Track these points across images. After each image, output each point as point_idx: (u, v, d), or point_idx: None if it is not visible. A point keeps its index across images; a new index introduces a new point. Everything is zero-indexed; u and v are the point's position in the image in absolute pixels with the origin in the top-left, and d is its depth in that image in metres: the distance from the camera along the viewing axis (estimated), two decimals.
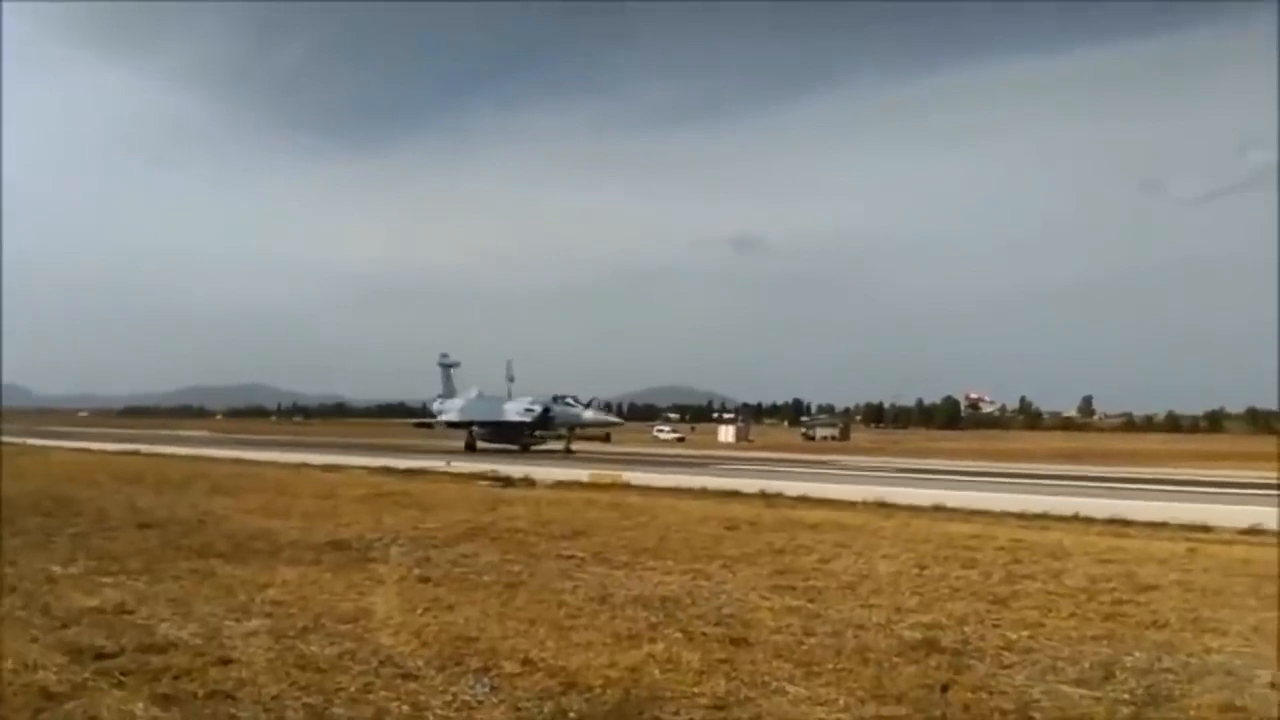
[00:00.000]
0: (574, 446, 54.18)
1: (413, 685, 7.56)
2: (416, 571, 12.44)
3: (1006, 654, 8.56)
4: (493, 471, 31.40)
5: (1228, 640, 9.11)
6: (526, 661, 8.16)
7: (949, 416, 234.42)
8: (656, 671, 7.88)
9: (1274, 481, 35.86)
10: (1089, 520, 19.08)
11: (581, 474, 30.13)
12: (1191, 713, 6.99)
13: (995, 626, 9.62)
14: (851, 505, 21.72)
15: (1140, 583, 12.03)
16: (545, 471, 31.45)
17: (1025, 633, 9.34)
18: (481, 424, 58.97)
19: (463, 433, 59.55)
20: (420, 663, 8.15)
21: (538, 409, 56.00)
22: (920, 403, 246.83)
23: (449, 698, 7.29)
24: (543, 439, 56.52)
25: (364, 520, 17.65)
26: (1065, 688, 7.55)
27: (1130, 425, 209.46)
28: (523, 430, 56.68)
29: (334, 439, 74.18)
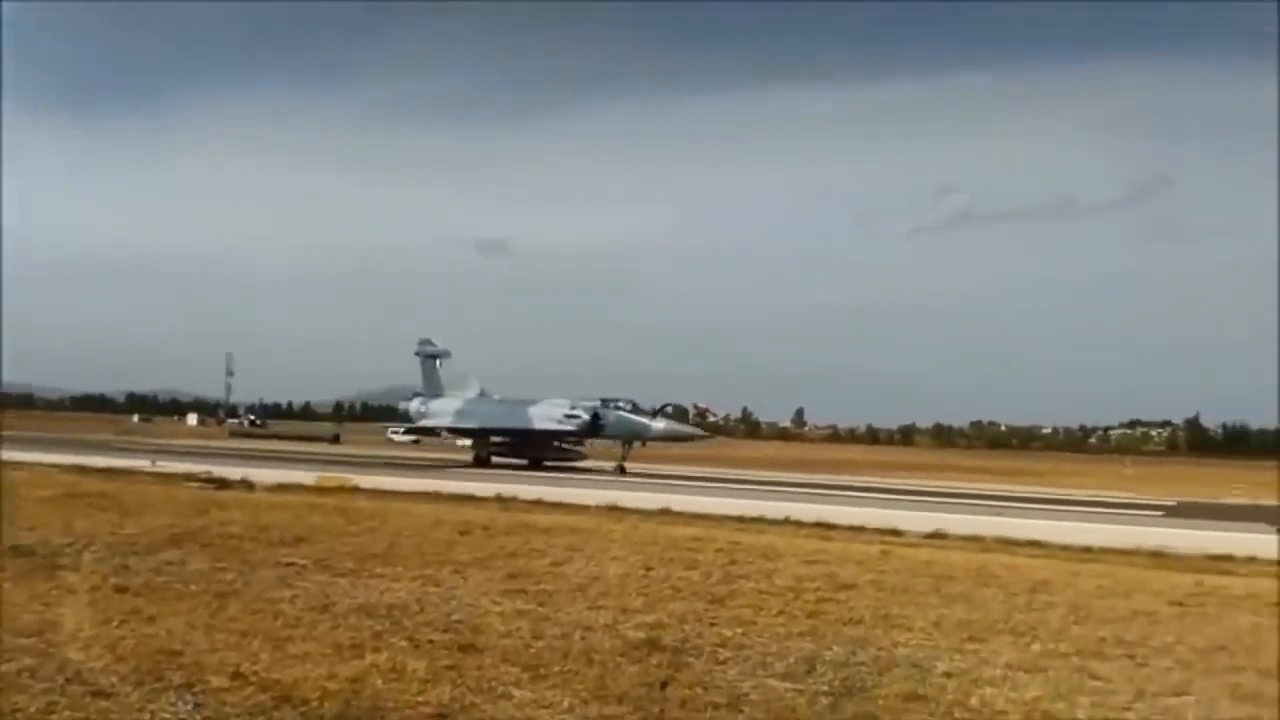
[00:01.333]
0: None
1: (105, 704, 6.89)
2: (113, 580, 11.36)
3: (722, 650, 9.02)
4: (206, 473, 29.26)
5: (913, 635, 10.06)
6: (237, 675, 7.65)
7: None
8: (379, 681, 7.63)
9: (955, 490, 40.23)
10: (799, 524, 20.52)
11: (306, 476, 28.74)
12: (880, 702, 7.65)
13: (713, 625, 10.12)
14: (585, 509, 22.13)
15: (840, 582, 13.07)
16: (266, 474, 29.72)
17: (739, 630, 9.88)
18: (495, 432, 48.33)
19: (428, 439, 53.60)
20: (114, 679, 7.44)
21: (583, 415, 45.20)
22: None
23: (146, 716, 6.70)
24: (581, 454, 47.79)
25: (52, 523, 15.89)
26: (773, 681, 8.05)
27: (835, 436, 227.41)
28: (550, 442, 47.37)
29: (27, 433, 65.19)
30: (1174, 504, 35.50)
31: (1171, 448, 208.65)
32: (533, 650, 8.76)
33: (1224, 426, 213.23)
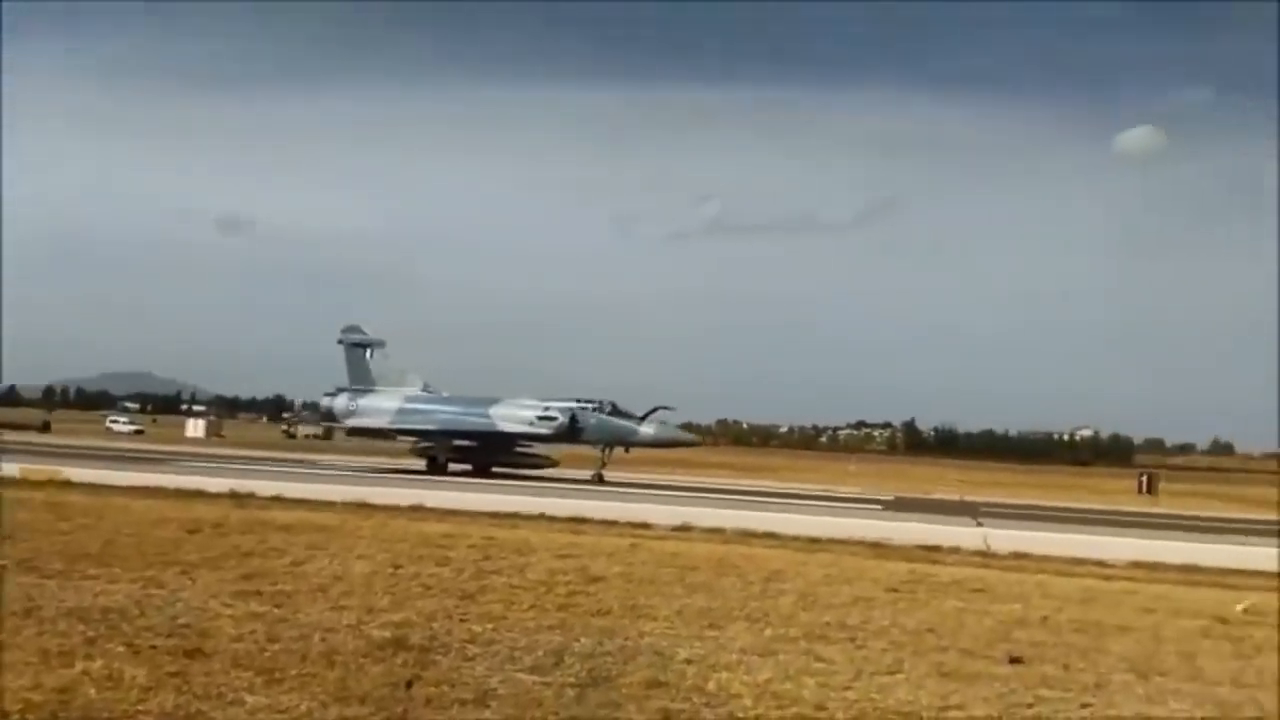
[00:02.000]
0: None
1: None
2: None
3: (471, 647, 8.94)
4: None
5: (658, 624, 10.41)
6: None
7: None
8: (93, 691, 6.98)
9: (701, 485, 41.91)
10: (553, 518, 20.71)
11: (8, 468, 25.80)
12: (624, 690, 7.86)
13: (463, 621, 10.01)
14: (330, 505, 21.25)
15: (591, 575, 13.31)
16: None
17: (489, 625, 9.84)
18: (452, 434, 42.13)
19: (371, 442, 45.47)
20: None
21: (559, 418, 40.56)
22: None
23: None
24: (545, 461, 43.16)
25: None
26: (521, 675, 8.07)
27: None
28: (513, 446, 42.67)
29: None
30: (891, 499, 38.73)
31: (891, 447, 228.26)
32: (268, 654, 8.31)
33: (935, 429, 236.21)
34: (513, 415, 41.93)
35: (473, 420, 42.45)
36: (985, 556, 18.48)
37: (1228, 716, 7.84)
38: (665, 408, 42.30)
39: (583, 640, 9.43)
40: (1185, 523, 32.78)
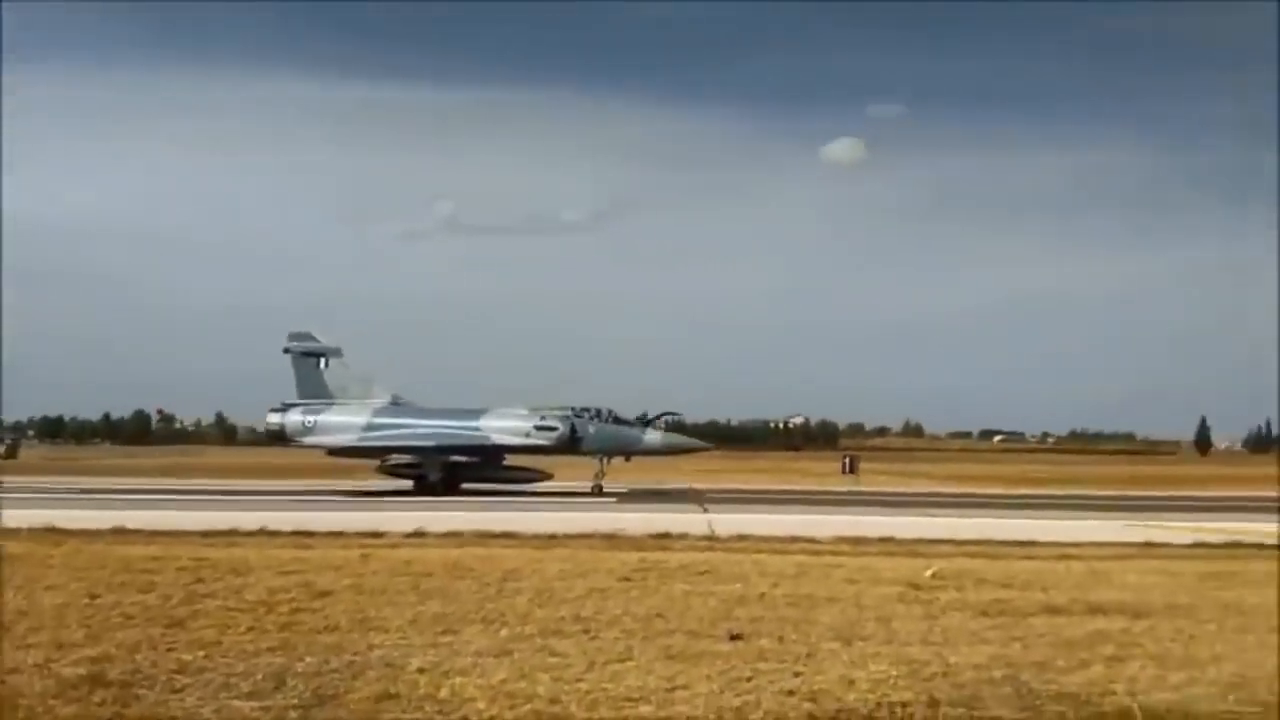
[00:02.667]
0: None
1: None
2: None
3: (180, 677, 8.28)
4: None
5: (389, 635, 10.10)
6: None
7: (138, 430, 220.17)
8: None
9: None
10: (274, 533, 19.57)
11: None
12: (352, 707, 7.57)
13: (170, 650, 9.25)
14: (15, 533, 18.97)
15: (317, 590, 12.71)
16: None
17: (201, 653, 9.15)
18: (440, 451, 38.31)
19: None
20: None
21: (559, 428, 37.80)
22: (108, 416, 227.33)
23: None
24: (539, 475, 39.38)
25: None
26: (237, 702, 7.57)
27: None
28: (501, 458, 39.26)
29: None
30: (626, 490, 39.86)
31: None
32: None
33: (665, 422, 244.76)
34: (507, 427, 39.24)
35: (462, 434, 39.30)
36: (711, 540, 19.45)
37: (916, 673, 8.69)
38: (671, 414, 41.33)
39: (307, 659, 8.99)
40: (882, 499, 36.14)
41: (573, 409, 38.98)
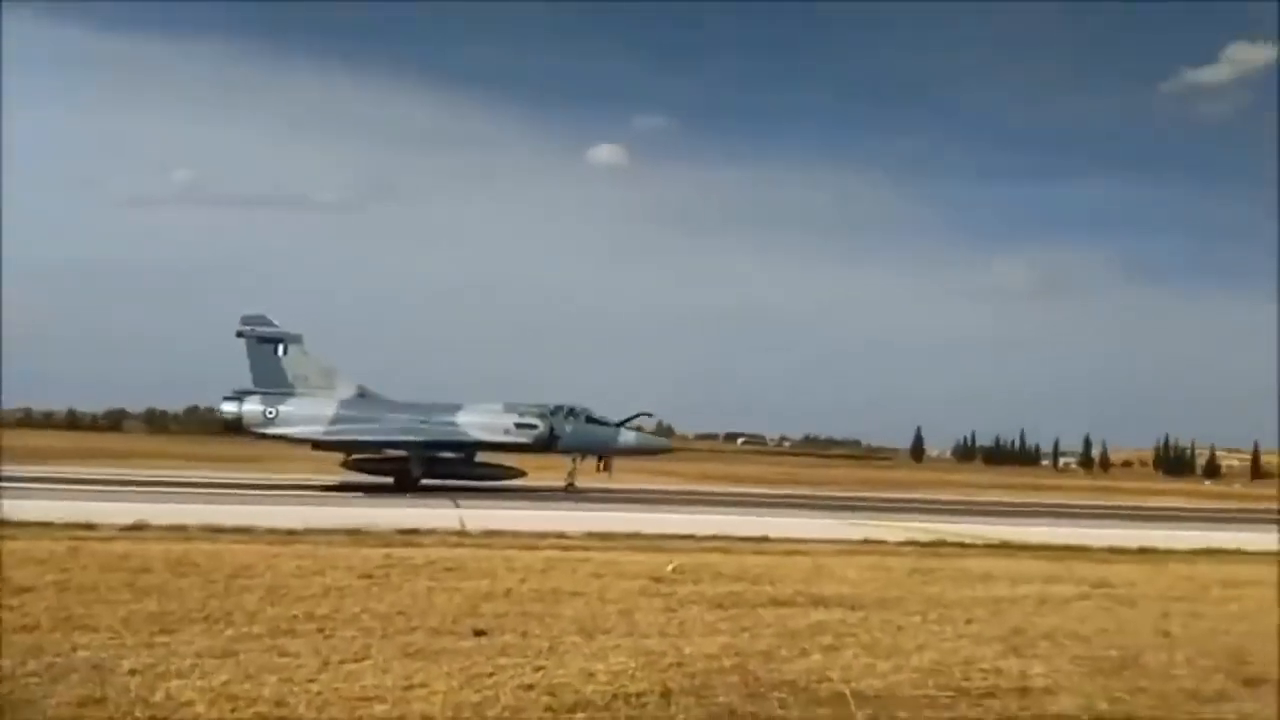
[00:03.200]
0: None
1: None
2: None
3: None
4: None
5: (98, 635, 9.26)
6: None
7: None
8: None
9: (160, 479, 38.20)
10: None
11: None
12: (52, 712, 6.90)
13: None
14: None
15: (16, 585, 11.46)
16: None
17: None
18: (416, 446, 37.03)
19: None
20: None
21: (539, 426, 37.26)
22: None
23: None
24: (514, 472, 38.00)
25: None
26: None
27: (28, 421, 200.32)
28: (471, 454, 38.41)
29: None
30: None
31: None
32: None
33: None
34: (486, 423, 37.94)
35: (441, 429, 37.71)
36: (461, 536, 19.22)
37: (653, 664, 8.99)
38: (646, 414, 41.51)
39: (3, 661, 8.09)
40: (634, 495, 37.10)
41: (549, 407, 38.45)
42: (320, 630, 9.89)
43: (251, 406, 38.15)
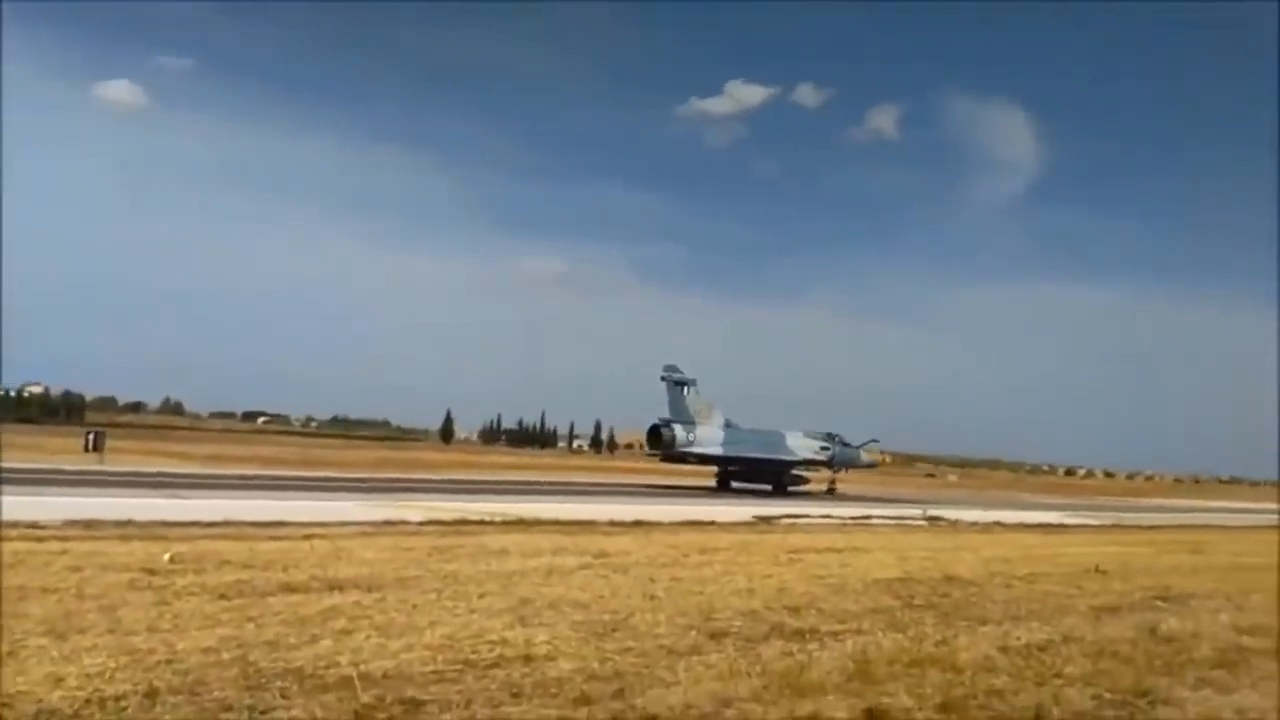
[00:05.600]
0: None
1: None
2: None
3: None
4: None
5: None
6: None
7: None
8: None
9: None
10: None
11: None
12: None
13: None
14: None
15: None
16: None
17: None
18: (752, 461, 55.19)
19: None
20: None
21: (832, 449, 57.46)
22: None
23: None
24: (803, 480, 56.32)
25: None
26: None
27: None
28: (789, 469, 55.96)
29: None
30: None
31: None
32: None
33: None
34: (805, 445, 57.11)
35: (772, 449, 55.82)
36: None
37: (138, 663, 8.10)
38: (874, 440, 62.75)
39: None
40: (129, 479, 33.34)
41: (829, 434, 58.08)
42: None
43: (679, 431, 53.35)
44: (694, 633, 10.79)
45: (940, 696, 8.61)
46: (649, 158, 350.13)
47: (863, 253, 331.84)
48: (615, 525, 23.56)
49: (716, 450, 53.97)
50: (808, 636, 10.94)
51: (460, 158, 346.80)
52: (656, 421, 53.70)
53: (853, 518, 31.87)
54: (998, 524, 34.16)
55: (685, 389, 54.38)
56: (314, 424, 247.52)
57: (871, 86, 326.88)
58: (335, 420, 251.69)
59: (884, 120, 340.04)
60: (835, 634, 11.20)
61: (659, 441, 53.55)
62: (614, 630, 10.64)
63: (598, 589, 13.39)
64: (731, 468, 55.23)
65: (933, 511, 36.83)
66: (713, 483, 55.54)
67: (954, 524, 32.80)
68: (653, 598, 12.92)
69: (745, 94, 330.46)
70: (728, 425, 55.31)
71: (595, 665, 8.99)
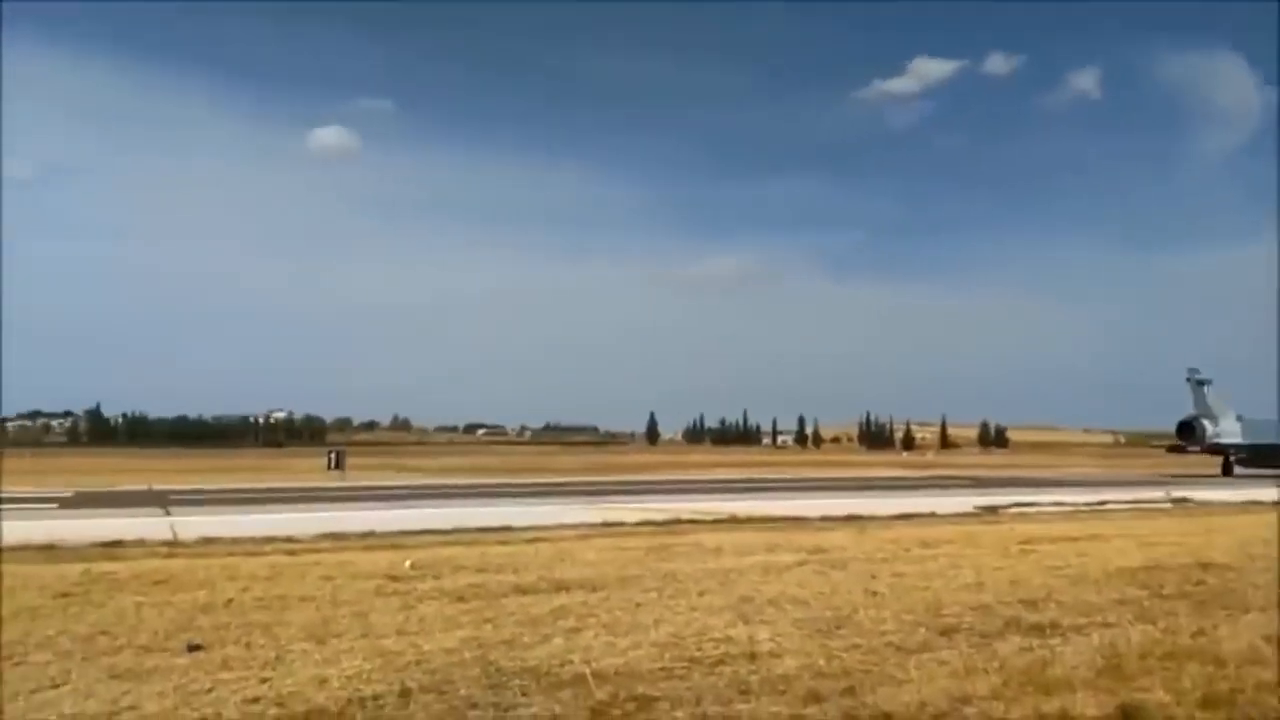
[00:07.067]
0: None
1: None
2: None
3: None
4: None
5: None
6: None
7: None
8: None
9: None
10: None
11: None
12: None
13: None
14: None
15: None
16: None
17: None
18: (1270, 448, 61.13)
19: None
20: None
21: None
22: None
23: None
24: None
25: None
26: None
27: None
28: None
29: None
30: (71, 494, 34.96)
31: (73, 438, 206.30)
32: None
33: (125, 416, 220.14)
34: None
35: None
36: (172, 546, 17.74)
37: (390, 664, 8.67)
38: None
39: None
40: (369, 493, 35.87)
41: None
42: (9, 658, 8.75)
43: (1208, 425, 63.74)
44: (922, 629, 10.43)
45: (1201, 691, 7.94)
46: (828, 145, 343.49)
47: (1063, 228, 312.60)
48: (828, 520, 23.18)
49: (1236, 440, 63.89)
50: (1048, 631, 10.35)
51: (642, 166, 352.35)
52: (1185, 418, 66.01)
53: (1086, 504, 29.97)
54: (1254, 503, 31.21)
55: (1205, 387, 65.86)
56: (528, 433, 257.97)
57: (1068, 47, 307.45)
58: (547, 428, 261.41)
59: (1085, 81, 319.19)
60: (1078, 628, 10.54)
61: (1191, 436, 65.37)
62: (838, 627, 10.45)
63: (816, 585, 13.20)
64: (1241, 455, 63.72)
65: (1178, 493, 34.15)
66: (1214, 470, 61.72)
67: (1204, 505, 30.22)
68: (875, 593, 12.61)
69: (930, 69, 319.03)
70: (1239, 419, 65.69)
71: (822, 663, 8.86)
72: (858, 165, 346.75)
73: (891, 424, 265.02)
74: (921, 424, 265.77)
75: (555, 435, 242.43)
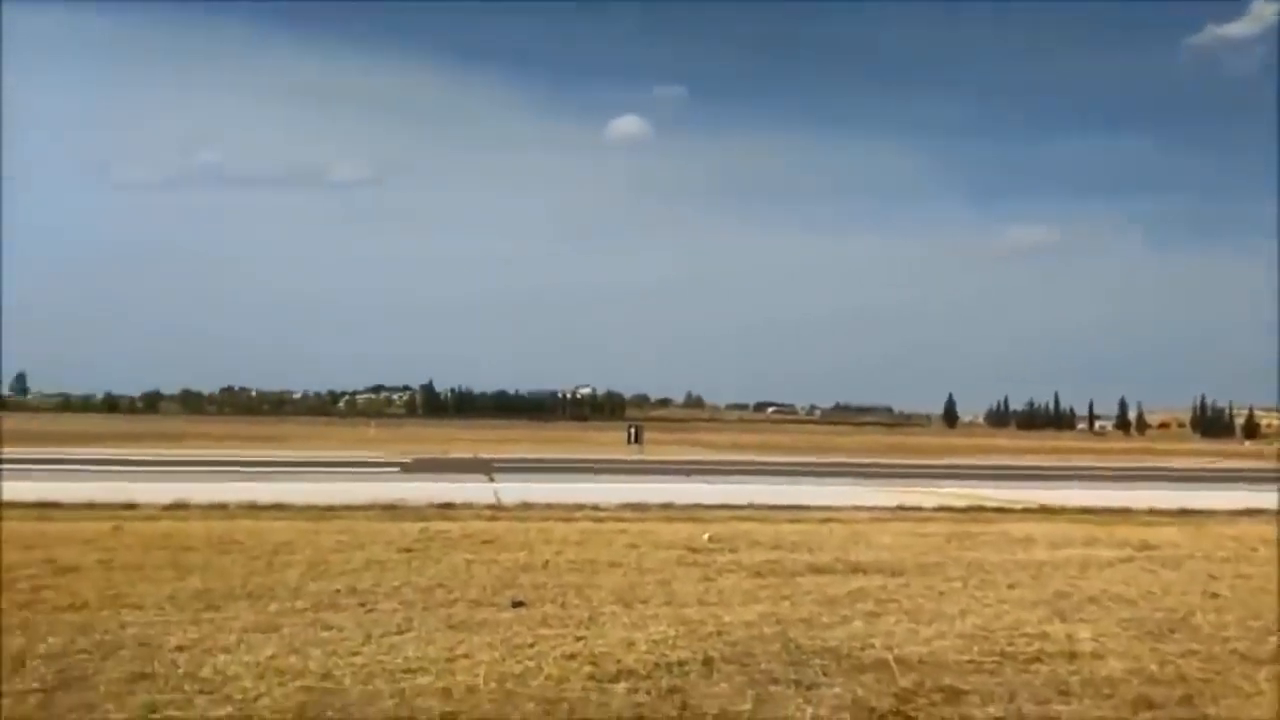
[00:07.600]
0: None
1: None
2: None
3: None
4: None
5: (144, 612, 9.36)
6: None
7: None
8: None
9: (201, 459, 38.74)
10: (11, 505, 17.78)
11: None
12: (103, 688, 6.97)
13: None
14: None
15: (62, 565, 11.64)
16: None
17: None
18: None
19: None
20: None
21: None
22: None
23: None
24: None
25: None
26: None
27: (67, 405, 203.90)
28: None
29: None
30: (410, 461, 38.95)
31: (410, 410, 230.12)
32: None
33: (452, 391, 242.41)
34: None
35: None
36: (496, 510, 19.32)
37: (693, 632, 8.96)
38: None
39: (50, 640, 8.20)
40: (665, 467, 37.15)
41: None
42: (362, 604, 9.92)
43: None
44: (1273, 638, 9.28)
45: None
46: (1150, 98, 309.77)
47: None
48: (1156, 514, 21.15)
49: None
50: None
51: (930, 133, 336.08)
52: None
53: None
54: None
55: None
56: (817, 412, 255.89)
57: None
58: (838, 408, 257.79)
59: None
60: None
61: None
62: (1171, 631, 9.53)
63: (1144, 584, 12.10)
64: None
65: None
66: None
67: None
68: (1215, 595, 11.37)
69: (1273, 10, 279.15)
70: None
71: (1153, 668, 8.12)
72: (1185, 119, 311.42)
73: (1231, 409, 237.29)
74: (1266, 409, 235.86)
75: (846, 415, 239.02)
